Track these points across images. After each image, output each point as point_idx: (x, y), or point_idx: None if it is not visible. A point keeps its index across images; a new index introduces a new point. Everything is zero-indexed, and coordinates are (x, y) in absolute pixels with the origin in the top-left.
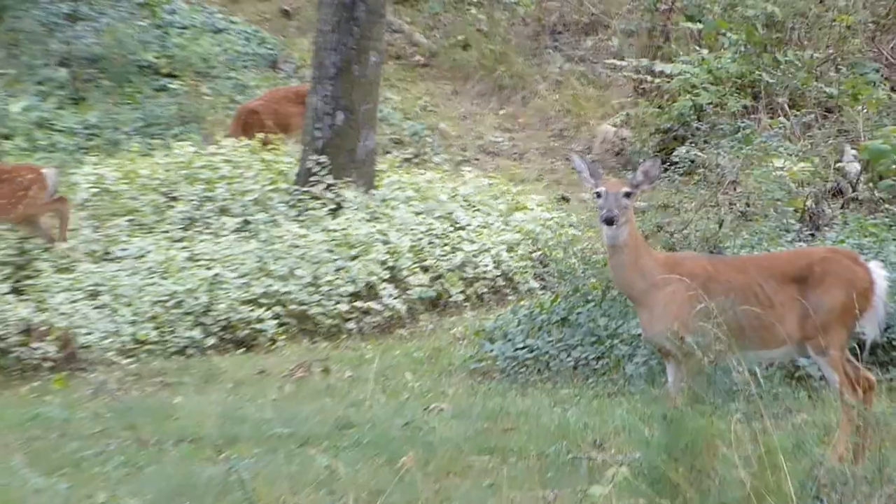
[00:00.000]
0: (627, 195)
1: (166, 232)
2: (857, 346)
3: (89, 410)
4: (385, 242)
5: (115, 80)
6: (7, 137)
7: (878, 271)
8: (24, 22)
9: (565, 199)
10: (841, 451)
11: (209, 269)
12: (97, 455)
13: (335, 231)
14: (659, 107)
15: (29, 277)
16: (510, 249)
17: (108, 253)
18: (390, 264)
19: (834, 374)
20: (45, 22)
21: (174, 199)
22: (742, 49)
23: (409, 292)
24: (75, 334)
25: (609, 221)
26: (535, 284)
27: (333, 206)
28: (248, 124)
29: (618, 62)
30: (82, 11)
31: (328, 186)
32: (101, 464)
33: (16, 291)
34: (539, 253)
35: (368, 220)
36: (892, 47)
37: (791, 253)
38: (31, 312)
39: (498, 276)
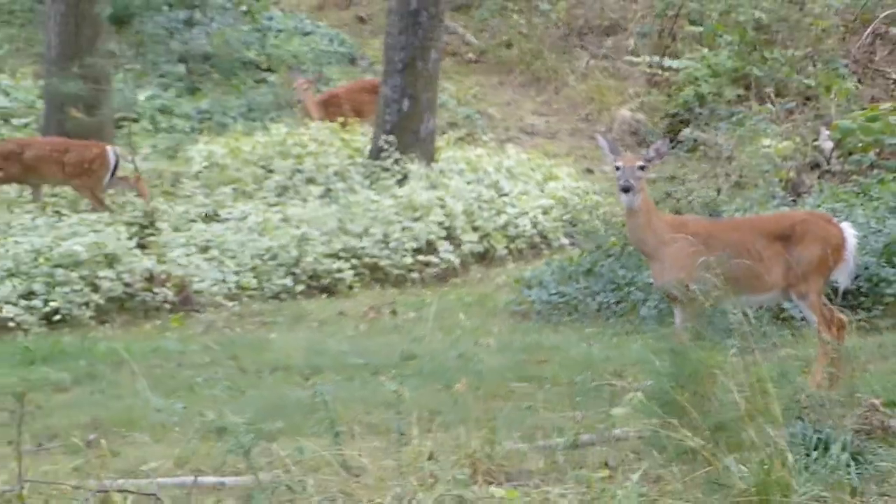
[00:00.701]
0: (641, 168)
1: (264, 198)
2: (831, 292)
3: (200, 344)
4: (442, 206)
5: (224, 73)
6: (135, 121)
7: (848, 230)
8: (149, 26)
9: (590, 171)
10: (818, 379)
11: (298, 228)
12: (206, 380)
13: (401, 197)
14: (668, 95)
15: (152, 235)
16: (545, 212)
17: (216, 215)
18: (446, 225)
19: (813, 315)
20: (167, 26)
21: (270, 171)
22: (736, 48)
23: (462, 248)
24: (190, 281)
25: (626, 189)
26: (565, 241)
27: (400, 177)
28: (328, 105)
29: (633, 58)
30: (197, 18)
31: (396, 161)
32: (209, 387)
33: (141, 246)
34: (568, 215)
35: (428, 189)
36: (857, 46)
37: (777, 215)
38: (153, 264)
39: (535, 234)
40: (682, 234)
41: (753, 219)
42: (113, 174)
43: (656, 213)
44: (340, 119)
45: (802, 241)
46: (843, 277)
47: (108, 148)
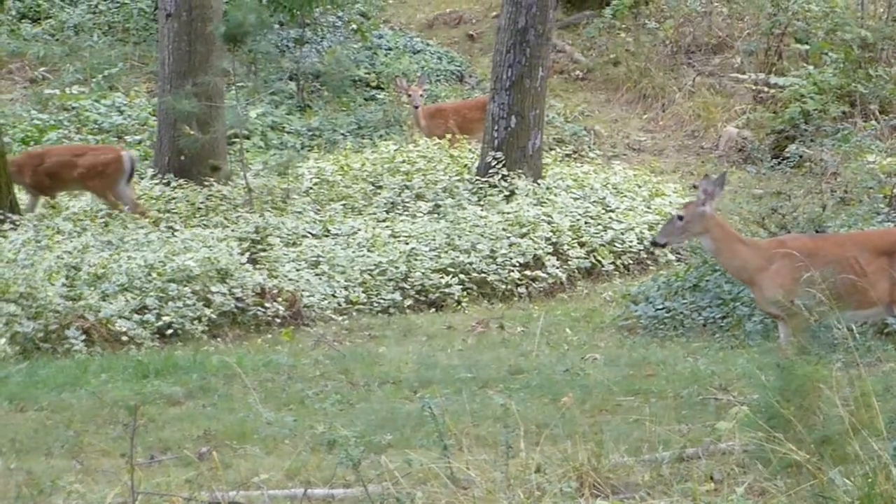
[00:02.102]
0: (680, 218)
1: (373, 214)
2: None
3: (311, 358)
4: (549, 222)
5: (334, 91)
6: (247, 138)
7: None
8: (261, 45)
9: (696, 188)
10: None
11: (407, 243)
12: (317, 394)
13: (509, 213)
14: (773, 112)
15: (263, 250)
16: (651, 228)
17: (327, 230)
18: (553, 240)
19: None
20: (279, 45)
21: (379, 187)
22: (841, 65)
23: (568, 263)
24: (300, 296)
25: (652, 244)
26: (671, 257)
27: (507, 193)
28: (434, 118)
29: (740, 76)
30: (308, 36)
31: (503, 177)
32: (320, 401)
33: (252, 261)
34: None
35: (536, 205)
36: None
37: (882, 231)
38: (264, 278)
39: (641, 249)
40: (780, 252)
41: (858, 234)
42: (129, 179)
43: (741, 243)
44: (446, 134)
45: None
46: None
47: (124, 153)
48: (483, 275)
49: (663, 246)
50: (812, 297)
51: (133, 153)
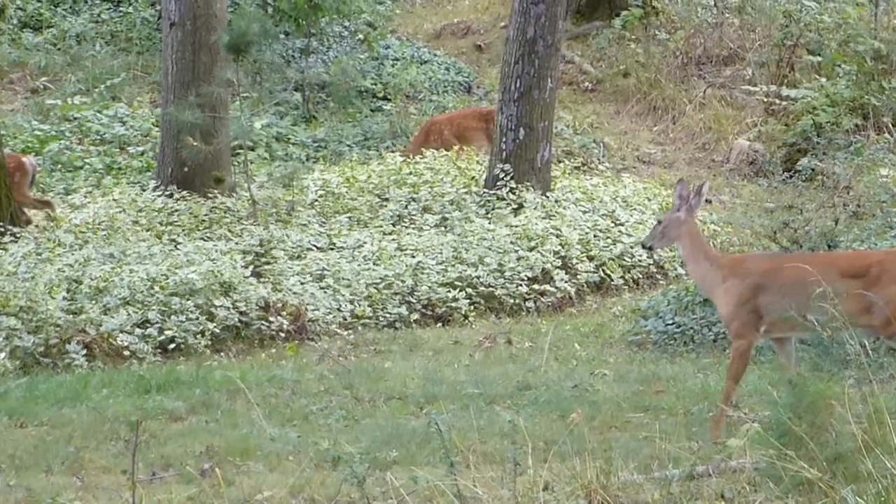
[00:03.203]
0: (660, 222)
1: (379, 227)
2: None
3: (315, 373)
4: (558, 236)
5: (340, 102)
6: (251, 149)
7: None
8: (266, 55)
9: (708, 201)
10: None
11: (413, 257)
12: (321, 409)
13: (517, 226)
14: (785, 125)
15: (267, 263)
16: None
17: (332, 243)
18: (562, 254)
19: None
20: (284, 55)
21: (385, 199)
22: (854, 77)
23: (577, 277)
24: (305, 310)
25: (641, 245)
26: (681, 271)
27: (515, 206)
28: (430, 133)
29: (751, 88)
30: (314, 46)
31: (511, 190)
32: (324, 416)
33: (256, 275)
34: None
35: (544, 218)
36: None
37: (853, 254)
38: (268, 292)
39: (651, 264)
40: (733, 273)
41: (824, 256)
42: (32, 182)
43: (704, 256)
44: (438, 145)
45: (879, 282)
46: None
47: (24, 159)
48: (491, 289)
49: (650, 249)
50: (825, 311)
51: (33, 158)
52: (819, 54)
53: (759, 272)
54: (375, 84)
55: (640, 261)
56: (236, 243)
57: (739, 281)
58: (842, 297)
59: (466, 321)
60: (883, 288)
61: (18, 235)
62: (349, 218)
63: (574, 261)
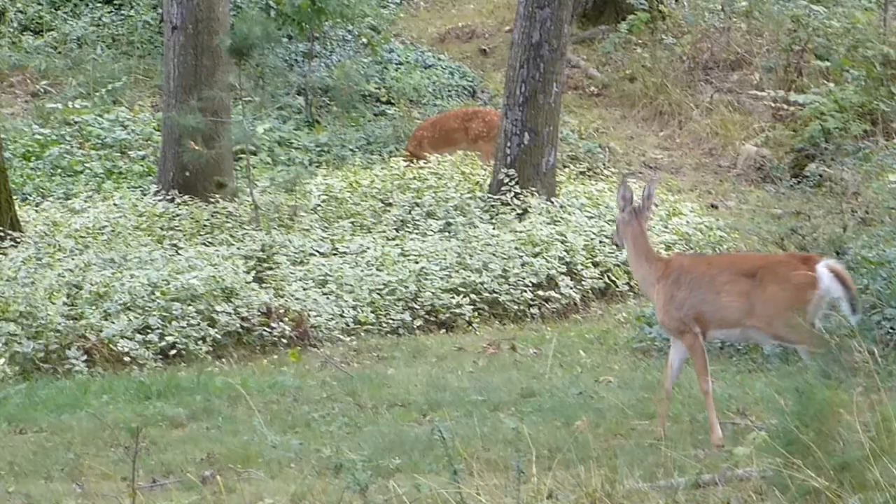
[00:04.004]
0: (612, 221)
1: (382, 232)
2: None
3: (318, 379)
4: (563, 242)
5: (343, 106)
6: (254, 153)
7: (823, 272)
8: (268, 59)
9: (714, 207)
10: None
11: (417, 262)
12: (324, 416)
13: (521, 232)
14: (793, 130)
15: (269, 269)
16: (667, 248)
17: (335, 249)
18: (567, 260)
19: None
20: (287, 59)
21: (389, 204)
22: (863, 83)
23: (582, 283)
24: (307, 316)
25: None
26: None
27: (520, 211)
28: (417, 140)
29: (759, 93)
30: (317, 50)
31: (516, 195)
32: (327, 424)
33: (258, 280)
34: (692, 252)
35: (549, 223)
36: None
37: (754, 255)
38: (270, 298)
39: None
40: (664, 273)
41: (727, 256)
42: None
43: (644, 258)
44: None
45: (762, 283)
46: (814, 319)
47: None
48: (495, 295)
49: (617, 246)
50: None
51: None
52: (827, 59)
53: (678, 268)
54: (379, 88)
55: None
56: (238, 248)
57: (665, 280)
58: (735, 296)
59: (470, 327)
60: (765, 288)
61: (18, 240)
62: (352, 223)
63: (579, 267)
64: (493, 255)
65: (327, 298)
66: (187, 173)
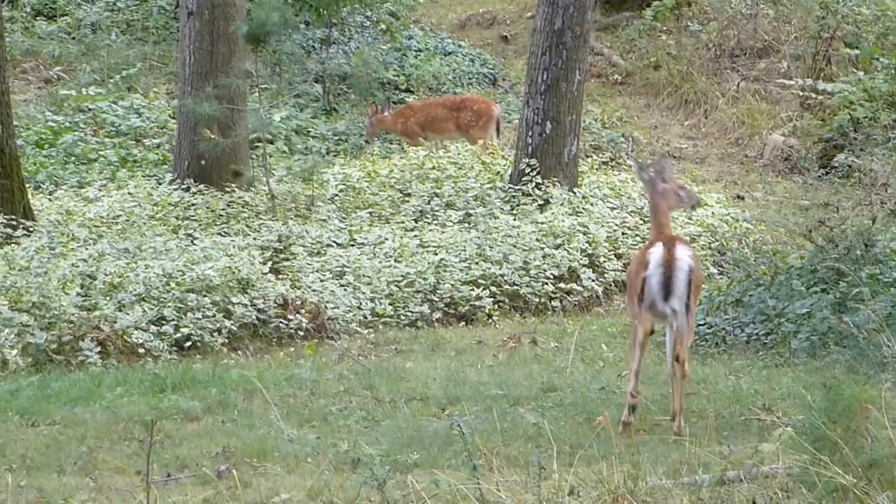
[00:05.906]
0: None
1: (401, 223)
2: None
3: (335, 372)
4: (585, 233)
5: (361, 94)
6: (270, 142)
7: (656, 252)
8: (285, 46)
9: (740, 198)
10: None
11: (436, 254)
12: (341, 410)
13: (543, 223)
14: (821, 120)
15: (286, 260)
16: (692, 240)
17: (352, 239)
18: (589, 252)
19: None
20: (304, 46)
21: (408, 194)
22: (892, 71)
23: (605, 276)
24: (324, 308)
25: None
26: (713, 270)
27: (542, 202)
28: (401, 115)
29: (786, 81)
30: (335, 37)
31: (537, 185)
32: (344, 418)
33: (275, 271)
34: (717, 243)
35: (571, 214)
36: None
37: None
38: (287, 289)
39: None
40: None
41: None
42: None
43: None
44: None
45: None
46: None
47: None
48: (515, 287)
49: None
50: None
51: None
52: (857, 47)
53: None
54: (398, 76)
55: None
56: (254, 239)
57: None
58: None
59: (490, 320)
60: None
61: (31, 229)
62: (370, 213)
63: (601, 259)
64: (514, 246)
65: (345, 290)
66: (203, 162)
